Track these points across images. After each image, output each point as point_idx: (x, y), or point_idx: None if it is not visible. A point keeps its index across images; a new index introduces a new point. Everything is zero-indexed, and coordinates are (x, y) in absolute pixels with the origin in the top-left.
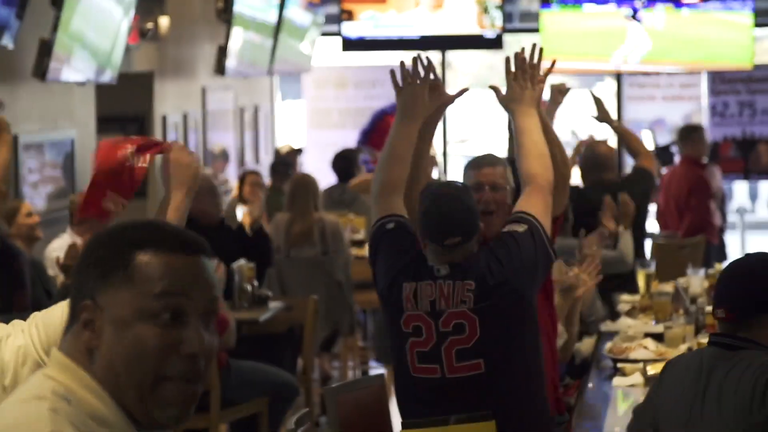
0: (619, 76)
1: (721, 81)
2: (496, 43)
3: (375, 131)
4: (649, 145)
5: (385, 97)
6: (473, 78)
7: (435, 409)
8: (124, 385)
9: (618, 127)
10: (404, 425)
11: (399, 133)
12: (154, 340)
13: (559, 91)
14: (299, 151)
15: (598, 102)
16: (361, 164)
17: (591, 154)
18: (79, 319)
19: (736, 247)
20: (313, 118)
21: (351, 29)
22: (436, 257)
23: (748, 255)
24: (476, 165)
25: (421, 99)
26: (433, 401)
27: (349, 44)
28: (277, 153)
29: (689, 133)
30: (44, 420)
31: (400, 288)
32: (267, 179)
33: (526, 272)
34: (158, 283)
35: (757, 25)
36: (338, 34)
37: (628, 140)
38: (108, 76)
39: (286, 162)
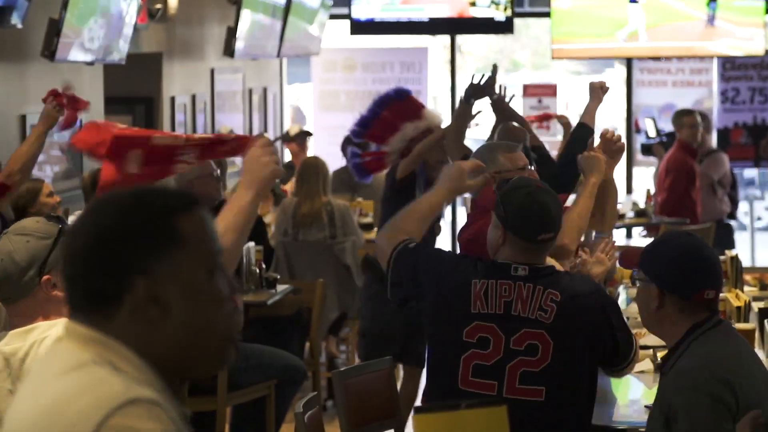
0: (629, 62)
1: (732, 67)
2: (506, 27)
3: (378, 119)
4: (652, 132)
5: (395, 80)
6: (483, 62)
7: None
8: (202, 347)
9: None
10: (416, 410)
11: (437, 204)
12: (226, 294)
13: (600, 88)
14: (308, 133)
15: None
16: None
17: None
18: (121, 300)
19: (745, 236)
20: (322, 101)
21: (360, 11)
22: (517, 255)
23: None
24: (508, 149)
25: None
26: None
27: (358, 27)
28: (286, 134)
29: (680, 117)
30: (111, 380)
31: (469, 286)
32: None
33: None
34: (209, 241)
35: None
36: (347, 16)
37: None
38: (116, 57)
39: (290, 166)
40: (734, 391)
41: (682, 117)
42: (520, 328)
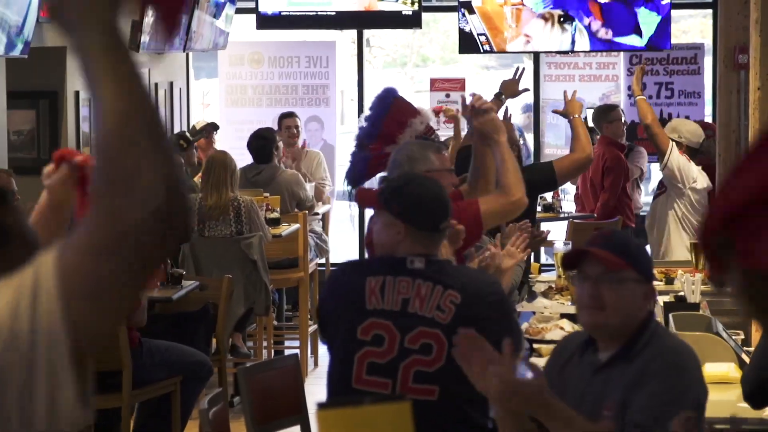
0: (536, 56)
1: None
2: (414, 21)
3: (386, 118)
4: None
5: (301, 74)
6: (391, 56)
7: None
8: None
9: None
10: (319, 406)
11: None
12: None
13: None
14: (215, 126)
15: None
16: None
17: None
18: None
19: None
20: (229, 96)
21: (267, 5)
22: (416, 247)
23: None
24: (438, 149)
25: None
26: None
27: (265, 21)
28: (193, 128)
29: (605, 112)
30: None
31: (364, 283)
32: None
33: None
34: None
35: (675, 6)
36: (254, 10)
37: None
38: (18, 51)
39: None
40: None
41: (609, 112)
42: (415, 326)
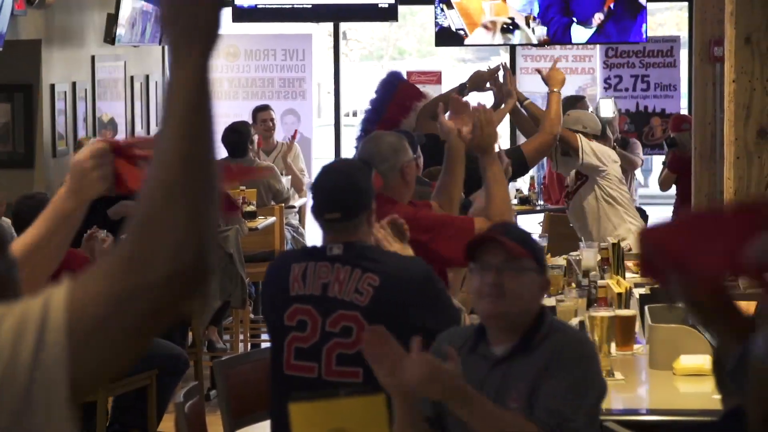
0: (513, 49)
1: (614, 54)
2: (390, 14)
3: (391, 103)
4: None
5: (278, 67)
6: (368, 50)
7: None
8: None
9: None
10: (292, 398)
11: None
12: None
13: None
14: None
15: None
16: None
17: None
18: None
19: None
20: None
21: None
22: (328, 234)
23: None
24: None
25: None
26: None
27: (240, 14)
28: None
29: (572, 103)
30: None
31: (288, 270)
32: None
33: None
34: None
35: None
36: (230, 3)
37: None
38: None
39: None
40: None
41: (575, 103)
42: (335, 309)
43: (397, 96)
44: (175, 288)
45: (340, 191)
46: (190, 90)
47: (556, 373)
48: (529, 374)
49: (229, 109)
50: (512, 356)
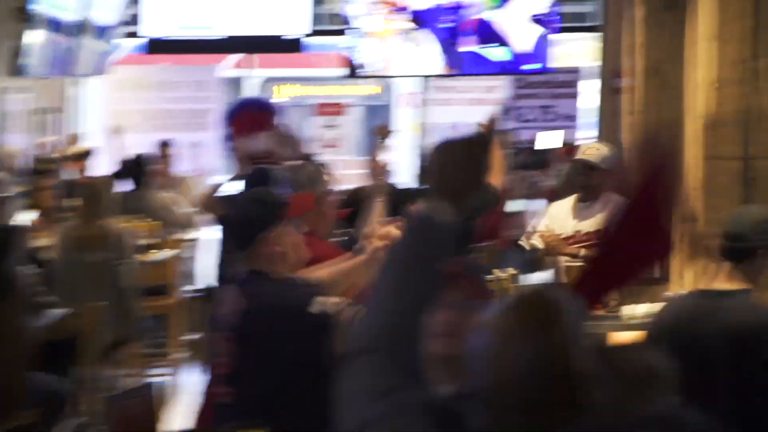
0: (424, 79)
1: (523, 85)
2: (295, 46)
3: (237, 118)
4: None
5: (190, 99)
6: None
7: None
8: None
9: None
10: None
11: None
12: None
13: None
14: (89, 152)
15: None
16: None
17: None
18: None
19: None
20: (114, 120)
21: (154, 30)
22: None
23: None
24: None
25: None
26: None
27: (153, 46)
28: (67, 154)
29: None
30: None
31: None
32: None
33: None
34: None
35: (563, 30)
36: (135, 35)
37: None
38: None
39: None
40: None
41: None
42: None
43: (246, 116)
44: None
45: (239, 223)
46: None
47: None
48: None
49: (137, 141)
50: None
